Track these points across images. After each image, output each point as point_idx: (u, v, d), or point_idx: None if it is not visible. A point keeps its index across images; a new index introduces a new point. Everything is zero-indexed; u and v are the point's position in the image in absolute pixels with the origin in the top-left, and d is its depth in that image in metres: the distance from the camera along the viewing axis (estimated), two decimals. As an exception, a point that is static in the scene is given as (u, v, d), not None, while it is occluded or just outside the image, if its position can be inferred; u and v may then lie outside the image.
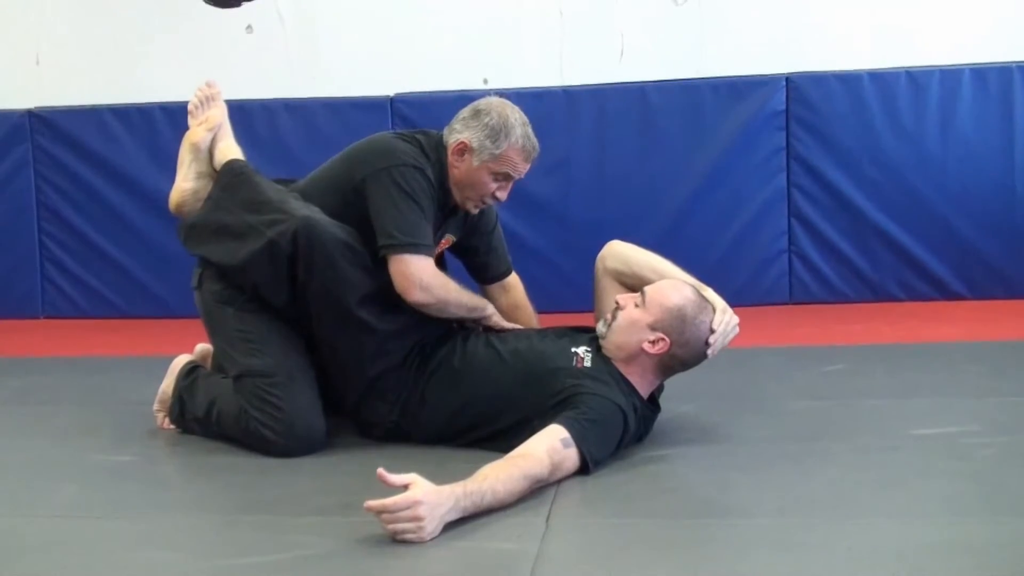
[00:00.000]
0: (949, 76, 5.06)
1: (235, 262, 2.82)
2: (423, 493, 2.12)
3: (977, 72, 5.04)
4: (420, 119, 5.32)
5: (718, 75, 5.20)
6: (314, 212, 2.77)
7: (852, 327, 4.57)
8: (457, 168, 2.86)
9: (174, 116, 5.46)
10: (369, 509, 2.11)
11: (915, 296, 5.12)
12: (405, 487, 2.12)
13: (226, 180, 2.97)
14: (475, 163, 2.83)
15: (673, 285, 2.72)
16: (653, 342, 2.64)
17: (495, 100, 2.92)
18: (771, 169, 5.18)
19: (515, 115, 2.89)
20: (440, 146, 2.89)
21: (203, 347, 3.15)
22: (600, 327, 2.75)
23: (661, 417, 2.86)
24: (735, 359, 3.85)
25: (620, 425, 2.58)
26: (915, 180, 5.10)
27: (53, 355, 4.56)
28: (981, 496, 2.30)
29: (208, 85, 3.16)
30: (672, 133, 5.22)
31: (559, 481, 2.43)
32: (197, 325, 3.08)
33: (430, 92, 5.32)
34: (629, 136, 5.25)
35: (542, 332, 2.92)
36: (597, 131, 5.27)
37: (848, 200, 5.14)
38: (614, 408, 2.57)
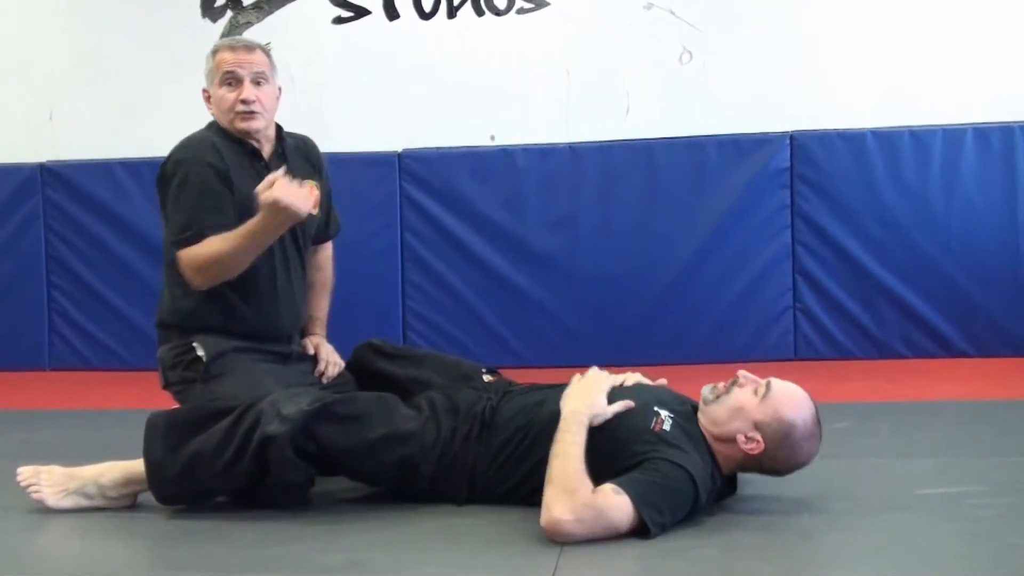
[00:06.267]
0: (952, 135, 5.10)
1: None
2: None
3: (980, 132, 5.09)
4: (428, 174, 5.38)
5: (723, 133, 5.25)
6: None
7: (857, 384, 4.57)
8: (213, 111, 3.19)
9: (184, 171, 5.52)
10: None
11: (920, 353, 5.13)
12: None
13: (163, 425, 2.72)
14: (213, 91, 3.17)
15: (801, 396, 2.58)
16: (748, 439, 2.53)
17: None
18: (776, 226, 5.21)
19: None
20: (212, 122, 3.21)
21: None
22: (707, 392, 2.61)
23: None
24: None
25: (690, 494, 2.43)
26: (919, 238, 5.13)
27: (59, 408, 4.56)
28: (986, 557, 2.29)
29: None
30: (677, 190, 5.27)
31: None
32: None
33: (438, 148, 5.38)
34: (634, 192, 5.29)
35: (624, 388, 2.72)
36: (603, 187, 5.31)
37: (852, 257, 5.16)
38: (685, 476, 2.42)
